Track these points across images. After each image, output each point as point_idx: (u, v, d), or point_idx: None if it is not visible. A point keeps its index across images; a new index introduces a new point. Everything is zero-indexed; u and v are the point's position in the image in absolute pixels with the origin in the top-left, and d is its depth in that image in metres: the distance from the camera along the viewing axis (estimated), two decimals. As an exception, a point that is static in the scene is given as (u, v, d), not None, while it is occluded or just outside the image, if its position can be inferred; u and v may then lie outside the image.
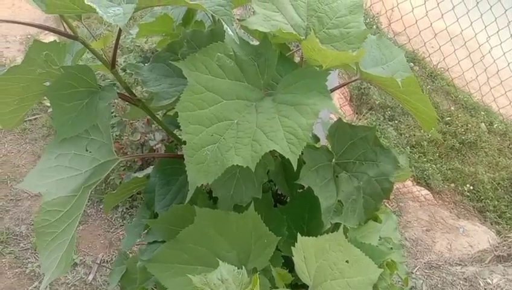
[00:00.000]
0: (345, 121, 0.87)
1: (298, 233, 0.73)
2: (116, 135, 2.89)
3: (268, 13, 0.77)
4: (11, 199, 2.92)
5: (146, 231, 1.02)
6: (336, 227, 0.90)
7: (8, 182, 3.03)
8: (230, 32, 0.65)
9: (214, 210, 0.78)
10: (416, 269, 2.54)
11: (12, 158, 3.21)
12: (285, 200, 1.09)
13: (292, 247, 0.65)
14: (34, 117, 3.46)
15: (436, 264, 2.53)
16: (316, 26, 0.79)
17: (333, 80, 1.87)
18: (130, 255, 1.33)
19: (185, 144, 0.69)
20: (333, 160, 0.89)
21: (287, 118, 0.71)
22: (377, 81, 0.82)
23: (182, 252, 0.77)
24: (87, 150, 0.78)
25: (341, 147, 0.89)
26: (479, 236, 2.98)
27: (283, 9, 0.78)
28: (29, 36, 4.32)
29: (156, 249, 0.95)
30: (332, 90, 0.94)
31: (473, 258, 2.63)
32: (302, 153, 0.68)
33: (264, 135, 0.69)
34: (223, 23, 0.65)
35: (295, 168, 0.68)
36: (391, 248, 1.00)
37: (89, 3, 0.58)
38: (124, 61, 3.07)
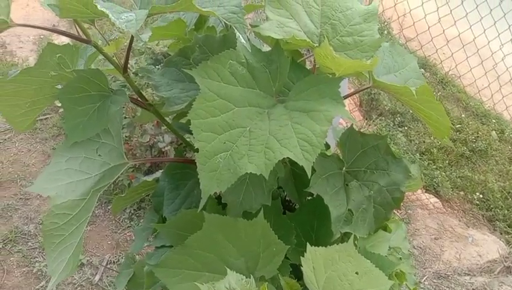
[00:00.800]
0: (355, 127, 0.86)
1: (307, 243, 0.72)
2: (126, 136, 2.90)
3: (281, 20, 0.76)
4: (20, 198, 2.94)
5: (154, 235, 1.02)
6: (345, 236, 0.89)
7: (18, 181, 3.05)
8: (243, 40, 0.65)
9: (222, 216, 0.78)
10: (424, 278, 2.52)
11: (22, 157, 3.23)
12: (294, 207, 1.08)
13: (301, 257, 0.65)
14: (44, 117, 3.49)
15: (445, 274, 2.50)
16: (329, 34, 0.78)
17: (344, 86, 1.86)
18: (138, 256, 1.33)
19: (198, 152, 0.69)
20: (344, 168, 0.88)
21: (300, 125, 0.70)
22: (390, 90, 0.81)
23: (189, 257, 0.76)
24: (97, 154, 0.78)
25: (352, 155, 0.88)
26: (488, 246, 2.94)
27: (296, 16, 0.77)
28: (42, 36, 4.36)
29: (163, 253, 0.95)
30: (345, 97, 0.93)
31: (482, 269, 2.60)
32: (312, 161, 0.68)
33: (277, 142, 0.69)
34: (235, 30, 0.65)
35: (309, 175, 0.68)
36: (400, 258, 0.99)
37: (102, 9, 0.58)
38: (135, 63, 3.09)
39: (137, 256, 1.33)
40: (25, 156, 3.24)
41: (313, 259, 0.66)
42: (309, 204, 0.95)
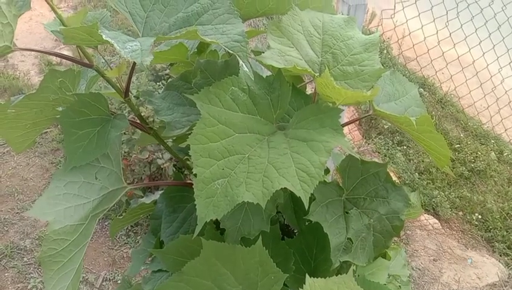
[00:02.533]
0: (356, 155, 0.86)
1: (307, 272, 0.72)
2: (125, 152, 2.90)
3: (283, 48, 0.77)
4: (17, 212, 2.92)
5: (151, 258, 1.01)
6: (344, 263, 0.88)
7: (16, 195, 3.04)
8: (246, 69, 0.65)
9: (220, 243, 0.77)
10: (423, 302, 2.49)
11: (21, 171, 3.22)
12: (293, 232, 1.07)
13: (300, 289, 0.64)
14: (44, 131, 3.49)
15: (444, 299, 2.47)
16: (330, 63, 0.78)
17: (343, 113, 1.87)
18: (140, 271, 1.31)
19: (196, 177, 0.68)
20: (343, 195, 0.88)
21: (299, 155, 0.70)
22: (391, 119, 0.81)
23: (186, 285, 0.75)
24: (96, 178, 0.78)
25: (352, 183, 0.88)
26: (488, 268, 2.92)
27: (298, 44, 0.78)
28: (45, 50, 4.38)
29: (160, 278, 0.94)
30: (345, 124, 0.93)
31: (482, 292, 2.57)
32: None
33: (276, 171, 0.69)
34: (238, 58, 0.65)
35: (306, 206, 0.67)
36: (400, 286, 0.98)
37: (107, 39, 0.59)
38: (136, 79, 3.10)
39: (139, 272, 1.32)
40: (24, 170, 3.23)
41: (312, 290, 0.65)
42: (308, 230, 0.94)
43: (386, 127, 4.00)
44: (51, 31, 0.71)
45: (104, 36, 0.59)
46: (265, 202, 0.66)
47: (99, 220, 2.63)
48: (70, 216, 0.73)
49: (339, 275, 0.71)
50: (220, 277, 0.76)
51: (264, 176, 0.68)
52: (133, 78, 3.10)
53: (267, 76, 0.78)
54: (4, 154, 3.32)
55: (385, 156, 3.80)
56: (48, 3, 0.67)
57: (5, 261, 2.65)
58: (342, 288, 0.65)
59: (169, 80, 0.94)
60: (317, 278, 0.69)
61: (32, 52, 4.39)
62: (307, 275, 0.65)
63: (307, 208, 0.67)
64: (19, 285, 2.54)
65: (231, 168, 0.69)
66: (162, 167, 2.86)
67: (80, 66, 0.79)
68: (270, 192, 0.67)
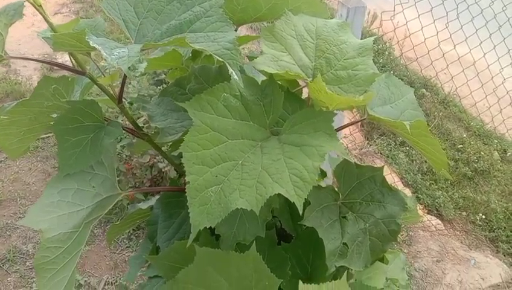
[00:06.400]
0: (352, 161, 0.85)
1: (301, 277, 0.71)
2: (126, 156, 2.90)
3: (276, 53, 0.77)
4: (19, 217, 2.93)
5: (147, 264, 1.01)
6: (342, 267, 0.88)
7: (18, 199, 3.04)
8: (236, 77, 0.65)
9: (213, 249, 0.77)
10: (425, 305, 2.47)
11: (23, 176, 3.24)
12: (290, 236, 1.07)
13: (293, 295, 0.64)
14: (46, 136, 3.50)
15: (446, 301, 2.45)
16: (323, 68, 0.78)
17: (342, 114, 1.86)
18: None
19: (189, 184, 0.68)
20: (339, 200, 0.87)
21: (293, 160, 0.69)
22: (385, 123, 0.80)
23: (181, 292, 0.75)
24: (90, 185, 0.78)
25: (347, 187, 0.87)
26: (491, 269, 2.90)
27: (291, 49, 0.77)
28: (46, 55, 4.40)
29: (156, 284, 0.94)
30: (340, 128, 0.93)
31: (485, 294, 2.55)
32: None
33: (269, 177, 0.68)
34: (228, 67, 0.65)
35: (301, 211, 0.67)
36: (398, 290, 0.97)
37: (94, 45, 0.58)
38: (137, 83, 3.10)
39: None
40: (26, 174, 3.24)
41: (305, 297, 0.65)
42: (305, 235, 0.93)
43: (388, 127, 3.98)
44: (42, 38, 0.71)
45: (91, 42, 0.58)
46: (259, 208, 0.66)
47: (101, 224, 2.62)
48: (64, 224, 0.73)
49: (334, 280, 0.71)
50: (214, 284, 0.76)
51: (258, 182, 0.68)
52: (134, 83, 3.11)
53: (262, 81, 0.78)
54: (6, 159, 3.33)
55: (387, 157, 3.79)
56: (39, 12, 0.67)
57: (8, 265, 2.66)
58: (335, 294, 0.65)
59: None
60: (313, 283, 0.69)
61: (34, 57, 4.41)
62: (300, 282, 0.65)
63: (301, 213, 0.66)
64: (21, 289, 2.55)
65: (224, 175, 0.69)
66: (163, 170, 2.87)
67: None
68: (264, 198, 0.67)
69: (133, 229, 2.91)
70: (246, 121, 0.74)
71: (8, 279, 2.59)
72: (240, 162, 0.70)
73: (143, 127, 1.90)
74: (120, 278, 2.64)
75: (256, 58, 0.78)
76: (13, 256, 2.69)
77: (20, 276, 2.60)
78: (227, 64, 0.64)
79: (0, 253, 2.71)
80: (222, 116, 0.72)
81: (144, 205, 1.05)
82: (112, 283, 2.65)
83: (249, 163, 0.70)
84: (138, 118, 2.54)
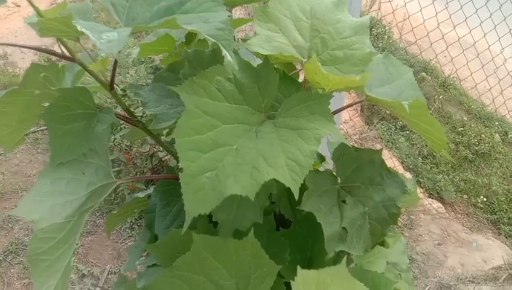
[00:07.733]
0: (350, 145, 0.84)
1: (300, 262, 0.70)
2: (126, 146, 2.89)
3: (270, 34, 0.74)
4: (20, 209, 2.93)
5: (147, 252, 1.00)
6: (341, 252, 0.86)
7: (19, 191, 3.04)
8: (229, 58, 0.63)
9: (211, 237, 0.75)
10: (427, 288, 2.47)
11: (24, 168, 3.23)
12: (289, 221, 1.06)
13: (292, 281, 0.62)
14: (45, 127, 3.48)
15: (448, 284, 2.45)
16: (319, 48, 0.76)
17: (341, 98, 1.84)
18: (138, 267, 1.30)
19: (182, 171, 0.66)
20: (338, 184, 0.86)
21: (288, 144, 0.68)
22: (383, 104, 0.79)
23: (178, 280, 0.74)
24: (83, 174, 0.76)
25: (346, 171, 0.86)
26: (493, 251, 2.90)
27: (285, 30, 0.75)
28: (43, 47, 4.36)
29: (154, 273, 0.93)
30: (338, 110, 0.91)
31: (487, 276, 2.56)
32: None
33: (265, 162, 0.66)
34: (222, 48, 0.63)
35: (297, 197, 0.65)
36: (399, 274, 0.96)
37: (82, 29, 0.57)
38: (135, 72, 3.08)
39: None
40: (26, 167, 3.24)
41: (304, 283, 0.64)
42: (304, 220, 0.92)
43: (388, 112, 3.96)
44: (28, 24, 0.69)
45: (79, 27, 0.56)
46: (254, 194, 0.64)
47: (103, 214, 2.61)
48: (58, 213, 0.72)
49: (334, 265, 0.69)
50: (212, 271, 0.75)
51: (253, 167, 0.66)
52: (132, 72, 3.09)
53: (258, 64, 0.76)
54: (7, 151, 3.32)
55: (388, 141, 3.78)
56: (24, -5, 0.65)
57: (11, 257, 2.67)
58: (335, 279, 0.63)
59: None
60: (313, 268, 0.67)
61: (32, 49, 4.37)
62: (298, 267, 0.63)
63: (297, 198, 0.65)
64: (24, 281, 2.56)
65: (219, 161, 0.67)
66: (163, 159, 2.86)
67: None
68: (259, 183, 0.65)
69: (135, 219, 2.91)
70: (240, 104, 0.72)
71: (12, 271, 2.60)
72: (235, 147, 0.68)
73: (141, 116, 1.88)
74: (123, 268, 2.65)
75: (249, 39, 0.76)
76: (16, 248, 2.70)
77: (23, 267, 2.61)
78: (220, 46, 0.62)
79: (3, 245, 2.72)
80: (216, 100, 0.70)
81: (141, 194, 1.04)
82: (115, 272, 2.66)
83: (244, 148, 0.68)
84: (137, 107, 2.52)
